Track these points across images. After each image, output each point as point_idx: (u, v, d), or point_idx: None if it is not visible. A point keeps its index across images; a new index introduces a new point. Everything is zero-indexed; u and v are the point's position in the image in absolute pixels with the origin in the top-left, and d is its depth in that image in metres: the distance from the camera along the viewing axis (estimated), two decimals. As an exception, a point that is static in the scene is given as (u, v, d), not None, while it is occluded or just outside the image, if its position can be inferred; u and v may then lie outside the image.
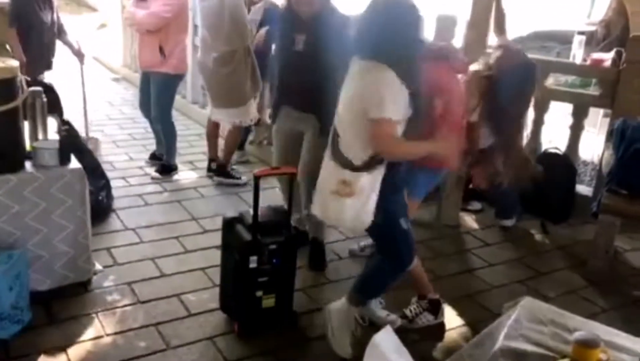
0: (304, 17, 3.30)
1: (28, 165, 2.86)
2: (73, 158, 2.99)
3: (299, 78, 3.36)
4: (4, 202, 2.74)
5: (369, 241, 3.54)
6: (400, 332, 2.24)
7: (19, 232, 2.80)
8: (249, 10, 4.70)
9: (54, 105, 3.76)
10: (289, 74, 3.44)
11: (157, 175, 4.78)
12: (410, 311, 3.00)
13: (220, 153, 4.89)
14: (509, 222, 4.25)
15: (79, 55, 5.05)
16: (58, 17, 5.12)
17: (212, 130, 4.90)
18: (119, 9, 8.06)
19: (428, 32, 4.22)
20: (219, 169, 4.82)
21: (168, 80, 4.64)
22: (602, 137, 4.27)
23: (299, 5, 3.30)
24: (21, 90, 2.80)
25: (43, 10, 4.93)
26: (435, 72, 2.82)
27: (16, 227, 2.79)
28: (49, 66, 5.14)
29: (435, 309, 2.99)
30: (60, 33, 5.13)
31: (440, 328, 3.00)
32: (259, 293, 2.81)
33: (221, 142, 4.93)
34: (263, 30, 4.73)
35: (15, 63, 2.79)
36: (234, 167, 4.97)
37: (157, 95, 4.68)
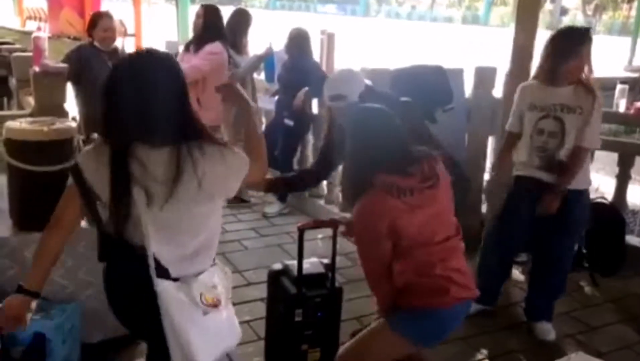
0: None
1: (80, 219, 2.96)
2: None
3: None
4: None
5: None
6: None
7: (72, 286, 2.88)
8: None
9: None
10: None
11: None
12: None
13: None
14: None
15: None
16: None
17: None
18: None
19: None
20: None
21: None
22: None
23: None
24: (78, 150, 2.93)
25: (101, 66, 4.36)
26: None
27: (70, 280, 2.87)
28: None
29: None
30: None
31: None
32: (305, 347, 2.82)
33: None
34: (302, 92, 4.84)
35: (72, 124, 2.93)
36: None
37: None
